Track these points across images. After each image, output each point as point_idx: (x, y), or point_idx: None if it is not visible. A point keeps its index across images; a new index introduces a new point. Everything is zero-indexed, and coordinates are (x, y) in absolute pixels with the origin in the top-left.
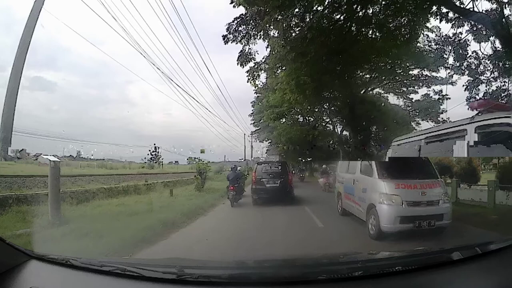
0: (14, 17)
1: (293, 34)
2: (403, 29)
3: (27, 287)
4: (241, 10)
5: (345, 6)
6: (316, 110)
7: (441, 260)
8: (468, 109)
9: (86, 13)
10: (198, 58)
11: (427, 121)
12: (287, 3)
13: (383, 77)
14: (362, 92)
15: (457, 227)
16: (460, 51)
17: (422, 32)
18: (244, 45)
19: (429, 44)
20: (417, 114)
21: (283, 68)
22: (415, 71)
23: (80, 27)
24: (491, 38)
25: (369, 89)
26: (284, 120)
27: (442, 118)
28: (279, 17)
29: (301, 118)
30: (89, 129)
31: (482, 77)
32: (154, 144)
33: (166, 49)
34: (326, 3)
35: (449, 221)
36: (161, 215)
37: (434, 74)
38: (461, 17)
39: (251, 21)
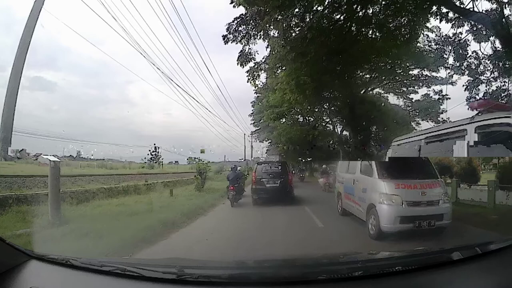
0: (14, 17)
1: (293, 34)
2: (403, 29)
3: (27, 287)
4: (241, 10)
5: (345, 6)
6: (316, 110)
7: (441, 260)
8: (468, 109)
9: (86, 13)
10: (198, 58)
11: (427, 121)
12: (287, 3)
13: (383, 77)
14: (362, 92)
15: (457, 227)
16: (460, 51)
17: (422, 32)
18: (244, 45)
19: (429, 44)
20: (417, 114)
21: (283, 68)
22: (415, 71)
23: (80, 27)
24: (491, 38)
25: (369, 89)
26: (284, 120)
27: (442, 118)
28: (279, 17)
29: (301, 118)
30: (89, 129)
31: (482, 77)
32: (154, 144)
33: (166, 49)
34: (326, 3)
35: (449, 221)
36: (161, 215)
37: (434, 74)
38: (461, 17)
39: (251, 21)
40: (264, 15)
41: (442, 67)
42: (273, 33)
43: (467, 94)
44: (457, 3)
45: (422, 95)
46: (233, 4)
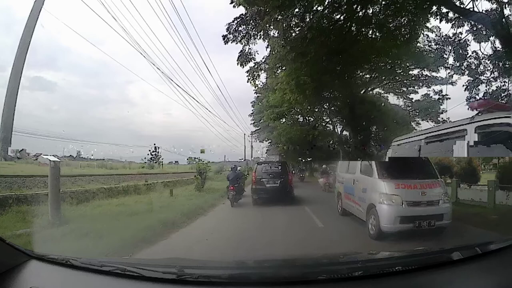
0: (14, 17)
1: (293, 34)
2: (403, 29)
3: (27, 287)
4: (241, 10)
5: (345, 6)
6: (316, 110)
7: (441, 260)
8: (468, 109)
9: (86, 13)
10: (198, 58)
11: (427, 121)
12: (287, 3)
13: (383, 77)
14: (362, 92)
15: (457, 227)
16: (460, 51)
17: (422, 32)
18: (244, 45)
19: (429, 44)
20: (417, 114)
21: (283, 68)
22: (415, 71)
23: (80, 27)
24: (491, 38)
25: (369, 89)
26: (284, 120)
27: (442, 118)
28: (279, 17)
29: (301, 118)
30: (89, 129)
31: (482, 77)
32: (154, 144)
33: (166, 49)
34: (326, 3)
35: (449, 221)
36: (161, 215)
37: (434, 74)
38: (461, 17)
39: (251, 21)
40: (264, 15)
41: (442, 67)
42: (273, 33)
43: (467, 94)
44: (457, 3)
45: (422, 95)
46: (233, 4)
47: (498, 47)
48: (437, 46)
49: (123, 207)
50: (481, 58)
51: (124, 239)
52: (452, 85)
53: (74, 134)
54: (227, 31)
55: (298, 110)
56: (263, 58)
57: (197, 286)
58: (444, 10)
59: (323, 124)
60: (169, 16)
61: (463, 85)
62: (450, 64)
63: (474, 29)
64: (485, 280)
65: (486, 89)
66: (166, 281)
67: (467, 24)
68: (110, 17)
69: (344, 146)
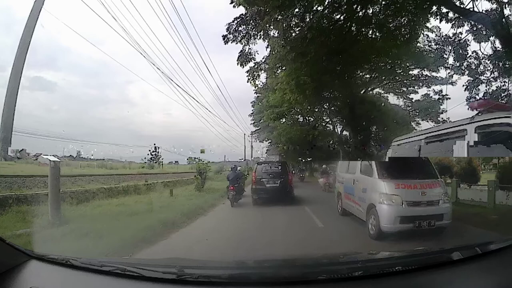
0: (14, 17)
1: (293, 34)
2: (403, 29)
3: (27, 287)
4: (241, 10)
5: (345, 6)
6: (316, 110)
7: (441, 260)
8: (468, 109)
9: (86, 13)
10: (198, 58)
11: (427, 121)
12: (287, 3)
13: (383, 77)
14: (362, 92)
15: (457, 227)
16: (460, 51)
17: (422, 32)
18: (244, 45)
19: (429, 44)
20: (417, 114)
21: (283, 68)
22: (415, 71)
23: (80, 27)
24: (491, 38)
25: (369, 89)
26: (284, 120)
27: (442, 118)
28: (279, 17)
29: (301, 118)
30: (89, 129)
31: (482, 77)
32: (154, 144)
33: (166, 49)
34: (326, 3)
35: (449, 221)
36: (161, 215)
37: (434, 74)
38: (461, 17)
39: (251, 21)
40: (264, 15)
41: (442, 67)
42: (273, 33)
43: (467, 94)
44: (457, 3)
45: (422, 95)
46: (233, 4)
47: (498, 47)
48: (437, 46)
49: (123, 207)
50: (481, 58)
51: (124, 239)
52: (452, 85)
53: (74, 134)
54: (227, 31)
55: (298, 110)
56: (263, 58)
57: (197, 286)
58: (444, 10)
59: (323, 124)
60: (169, 16)
61: (463, 85)
62: (450, 64)
63: (474, 29)
64: (485, 280)
65: (486, 89)
66: (166, 281)
67: (467, 24)
68: (110, 17)
69: (344, 146)
